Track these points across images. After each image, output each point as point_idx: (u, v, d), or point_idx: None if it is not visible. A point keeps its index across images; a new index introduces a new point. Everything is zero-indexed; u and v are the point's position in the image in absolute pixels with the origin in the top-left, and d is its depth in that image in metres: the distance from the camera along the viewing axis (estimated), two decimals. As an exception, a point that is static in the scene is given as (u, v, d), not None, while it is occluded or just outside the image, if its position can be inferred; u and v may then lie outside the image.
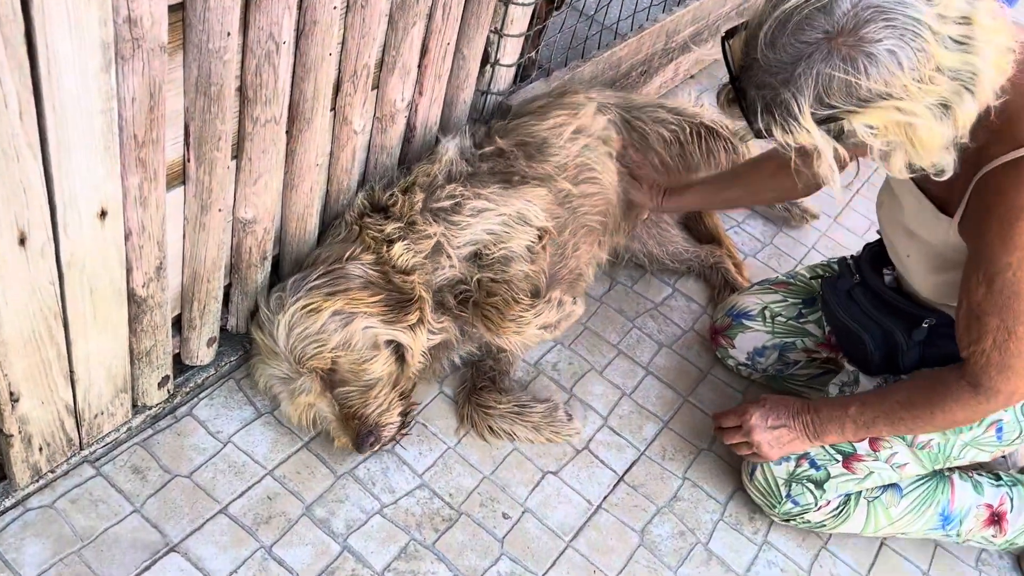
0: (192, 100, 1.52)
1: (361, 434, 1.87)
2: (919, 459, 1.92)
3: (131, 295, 1.64)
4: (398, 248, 1.96)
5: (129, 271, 1.60)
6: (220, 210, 1.71)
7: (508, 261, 2.05)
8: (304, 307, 1.85)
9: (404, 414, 1.97)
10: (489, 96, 2.44)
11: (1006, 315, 1.56)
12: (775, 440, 1.96)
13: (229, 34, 1.46)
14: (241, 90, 1.63)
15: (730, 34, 1.52)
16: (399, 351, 1.97)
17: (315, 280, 1.89)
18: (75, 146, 1.32)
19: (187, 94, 1.52)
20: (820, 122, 1.41)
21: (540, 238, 2.14)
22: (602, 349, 2.42)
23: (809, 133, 1.41)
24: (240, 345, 2.06)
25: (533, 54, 2.76)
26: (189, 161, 1.61)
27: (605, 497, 2.09)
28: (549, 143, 2.24)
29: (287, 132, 1.82)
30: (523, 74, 2.57)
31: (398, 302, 1.93)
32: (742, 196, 2.48)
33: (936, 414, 1.74)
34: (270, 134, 1.71)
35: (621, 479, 2.13)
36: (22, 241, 1.34)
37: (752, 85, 1.45)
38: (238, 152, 1.72)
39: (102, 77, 1.29)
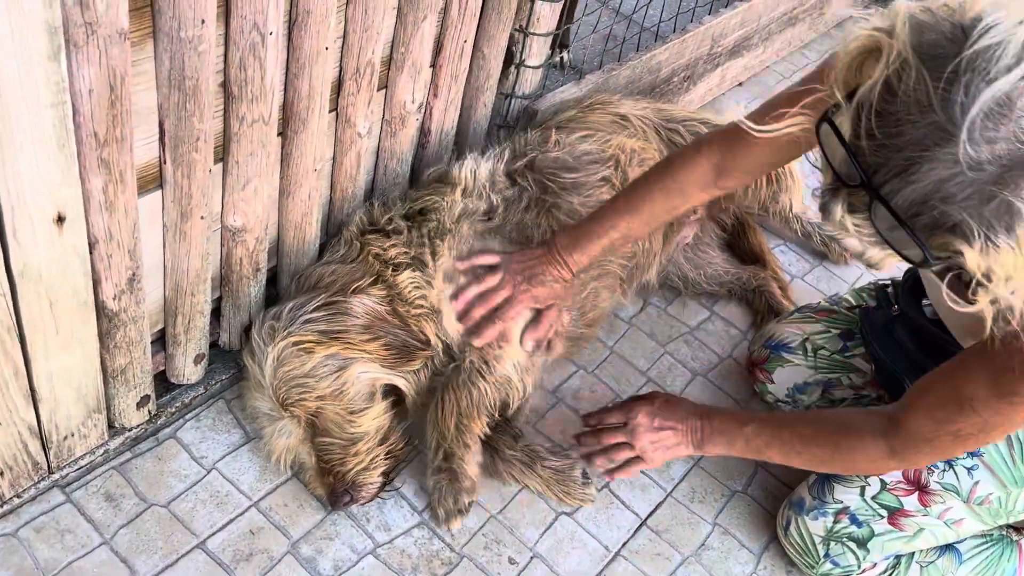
0: (165, 95, 1.37)
1: (336, 492, 1.71)
2: (977, 515, 1.68)
3: (101, 308, 1.49)
4: (406, 277, 1.80)
5: (97, 282, 1.45)
6: (203, 217, 1.56)
7: (499, 360, 1.84)
8: (296, 344, 1.68)
9: (386, 473, 1.78)
10: (513, 100, 2.27)
11: (997, 425, 1.38)
12: (659, 442, 1.77)
13: (203, 22, 1.31)
14: (225, 86, 1.48)
15: (834, 111, 1.09)
16: (396, 393, 1.81)
17: (312, 312, 1.72)
18: (22, 142, 1.17)
19: (160, 88, 1.37)
20: None
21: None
22: (629, 376, 2.21)
23: None
24: (233, 362, 1.91)
25: (565, 55, 2.58)
26: (165, 163, 1.46)
27: (625, 543, 1.88)
28: (579, 184, 2.03)
29: (281, 134, 1.67)
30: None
31: (403, 346, 1.76)
32: (654, 224, 1.87)
33: (836, 458, 1.60)
34: (258, 135, 1.55)
35: (644, 523, 1.93)
36: (-38, 248, 1.20)
37: (916, 192, 1.02)
38: (224, 154, 1.57)
39: (50, 66, 1.14)
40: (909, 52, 1.01)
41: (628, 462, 1.82)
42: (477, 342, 1.81)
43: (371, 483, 1.72)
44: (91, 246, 1.40)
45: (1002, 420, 1.39)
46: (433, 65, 1.94)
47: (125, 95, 1.26)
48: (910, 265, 1.22)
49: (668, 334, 2.35)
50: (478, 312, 1.83)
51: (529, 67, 2.22)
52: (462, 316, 1.83)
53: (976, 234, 0.99)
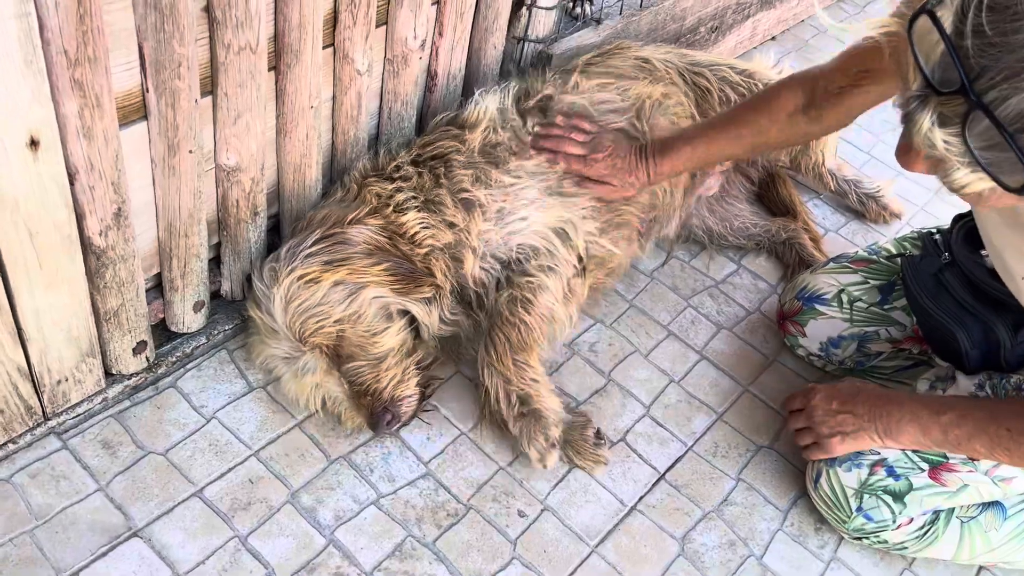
0: (142, 16, 1.32)
1: (375, 412, 1.65)
2: (1030, 473, 1.56)
3: (87, 244, 1.45)
4: (413, 218, 1.72)
5: (81, 216, 1.41)
6: (191, 151, 1.50)
7: (537, 291, 1.78)
8: (301, 278, 1.63)
9: (424, 386, 1.74)
10: (526, 44, 2.18)
11: None
12: (836, 426, 1.64)
13: (176, -66, 1.25)
14: (208, 10, 1.42)
15: (935, 3, 0.94)
16: (413, 323, 1.74)
17: (311, 247, 1.66)
18: (-16, 56, 1.13)
19: (136, 8, 1.31)
20: None
21: (580, 262, 1.87)
22: (649, 330, 2.12)
23: None
24: (236, 313, 1.86)
25: (588, 6, 2.47)
26: (148, 91, 1.41)
27: (641, 497, 1.79)
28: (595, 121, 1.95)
29: (275, 68, 1.61)
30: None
31: (409, 272, 1.69)
32: (748, 143, 1.82)
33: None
34: (246, 64, 1.49)
35: (662, 477, 1.83)
36: (-72, 168, 1.16)
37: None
38: (212, 86, 1.52)
39: (9, -28, 1.09)
40: None
41: (808, 448, 1.75)
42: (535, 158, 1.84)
43: (409, 395, 1.68)
44: (71, 176, 1.35)
45: None
46: (436, 1, 1.87)
47: (95, 10, 1.21)
48: (967, 208, 1.06)
49: (692, 287, 2.24)
50: (550, 144, 1.86)
51: (542, 8, 2.13)
52: (539, 140, 1.87)
53: None
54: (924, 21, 0.95)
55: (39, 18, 1.16)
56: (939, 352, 1.80)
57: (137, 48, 1.36)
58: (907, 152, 1.02)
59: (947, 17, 0.93)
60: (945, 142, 0.94)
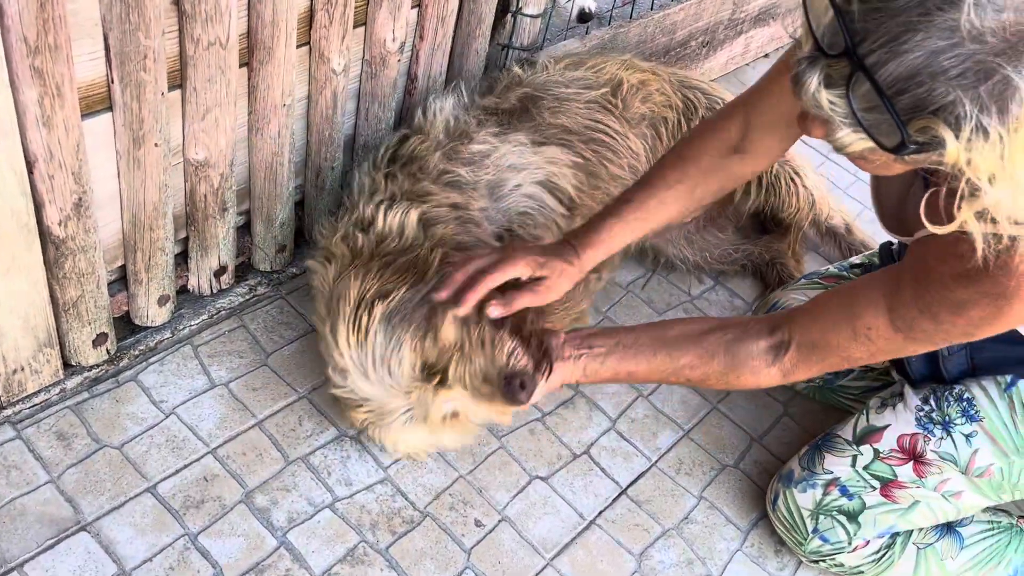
0: (108, 6, 1.31)
1: (502, 389, 1.48)
2: (978, 487, 1.54)
3: (46, 234, 1.44)
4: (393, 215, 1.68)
5: (40, 206, 1.40)
6: (157, 144, 1.49)
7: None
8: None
9: (519, 333, 1.53)
10: (510, 51, 2.17)
11: (888, 353, 1.36)
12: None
13: (143, -75, 1.24)
14: (178, 3, 1.41)
15: None
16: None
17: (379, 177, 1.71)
18: (-60, 41, 1.12)
19: (102, -1, 1.31)
20: None
21: (569, 210, 1.84)
22: (621, 342, 2.10)
23: (1018, 148, 0.89)
24: (203, 308, 1.85)
25: (592, 4, 2.46)
26: (113, 82, 1.40)
27: (601, 511, 1.78)
28: (563, 100, 1.95)
29: (247, 65, 1.60)
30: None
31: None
32: (682, 205, 1.64)
33: (725, 385, 1.52)
34: (216, 60, 1.48)
35: (624, 492, 1.82)
36: None
37: (905, 66, 0.89)
38: (182, 80, 1.51)
39: (-34, -43, 1.08)
40: None
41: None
42: (459, 314, 1.53)
43: (510, 351, 1.50)
44: (30, 165, 1.34)
45: (893, 350, 1.35)
46: (418, 5, 1.86)
47: (57, -1, 1.20)
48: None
49: (667, 301, 2.23)
50: (469, 297, 1.51)
51: (527, 16, 2.12)
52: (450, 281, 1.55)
53: (967, 115, 0.87)
54: None
55: (-2, 4, 1.15)
56: (892, 363, 1.79)
57: (103, 38, 1.35)
58: (804, 118, 1.04)
59: None
60: (830, 102, 0.96)
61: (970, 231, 0.97)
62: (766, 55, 3.23)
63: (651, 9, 2.56)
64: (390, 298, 1.54)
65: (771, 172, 2.19)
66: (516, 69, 2.03)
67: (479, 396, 1.51)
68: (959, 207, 0.94)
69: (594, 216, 1.67)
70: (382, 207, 1.68)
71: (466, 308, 1.49)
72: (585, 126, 1.96)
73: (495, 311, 1.50)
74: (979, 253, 0.98)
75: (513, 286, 1.54)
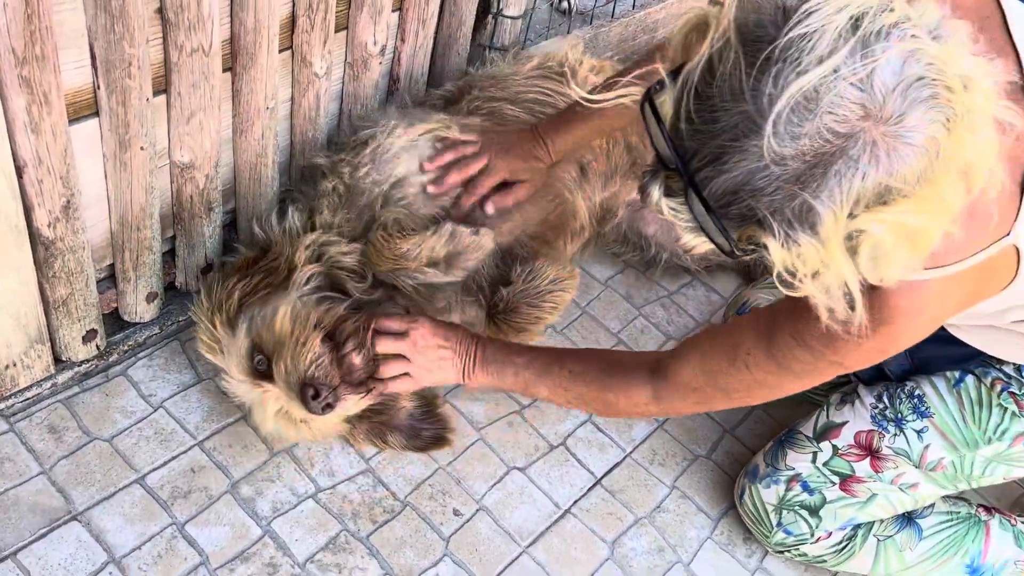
0: (92, 17, 1.36)
1: (298, 395, 1.56)
2: (932, 479, 1.61)
3: (36, 235, 1.49)
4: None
5: (30, 208, 1.45)
6: (143, 148, 1.54)
7: (398, 185, 1.76)
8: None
9: (337, 344, 1.60)
10: (491, 51, 2.22)
11: (764, 386, 1.39)
12: (433, 364, 1.62)
13: (126, -61, 1.28)
14: (161, 12, 1.46)
15: (657, 90, 1.03)
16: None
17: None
18: (-69, 53, 1.17)
19: (87, 10, 1.35)
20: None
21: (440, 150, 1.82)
22: (599, 337, 2.16)
23: (833, 254, 0.97)
24: (190, 304, 1.90)
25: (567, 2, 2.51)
26: (99, 88, 1.44)
27: (576, 501, 1.84)
28: (506, 79, 2.00)
29: (230, 69, 1.65)
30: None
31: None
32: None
33: (600, 398, 1.54)
34: (199, 66, 1.53)
35: (598, 482, 1.88)
36: None
37: (728, 183, 0.96)
38: (166, 85, 1.55)
39: (-44, -26, 1.13)
40: (732, 31, 0.94)
41: (395, 377, 1.65)
42: (433, 191, 1.76)
43: (314, 358, 1.56)
44: (19, 169, 1.39)
45: (770, 384, 1.37)
46: (399, 8, 1.90)
47: (44, 11, 1.24)
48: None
49: (645, 296, 2.29)
50: (453, 178, 1.76)
51: (507, 17, 2.17)
52: (436, 181, 1.76)
53: (781, 231, 0.95)
54: (647, 107, 1.04)
55: (-14, 18, 1.20)
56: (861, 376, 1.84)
57: (88, 48, 1.40)
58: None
59: (668, 103, 1.01)
60: (672, 209, 1.04)
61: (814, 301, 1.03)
62: (749, 51, 3.27)
63: (632, 8, 2.60)
64: (245, 299, 1.63)
65: None
66: (469, 69, 2.10)
67: (287, 396, 1.58)
68: (800, 282, 1.01)
69: (562, 112, 1.83)
70: (289, 209, 1.77)
71: (439, 191, 1.75)
72: (517, 92, 1.99)
73: (491, 208, 1.77)
74: (823, 320, 1.05)
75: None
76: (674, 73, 1.00)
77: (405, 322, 1.64)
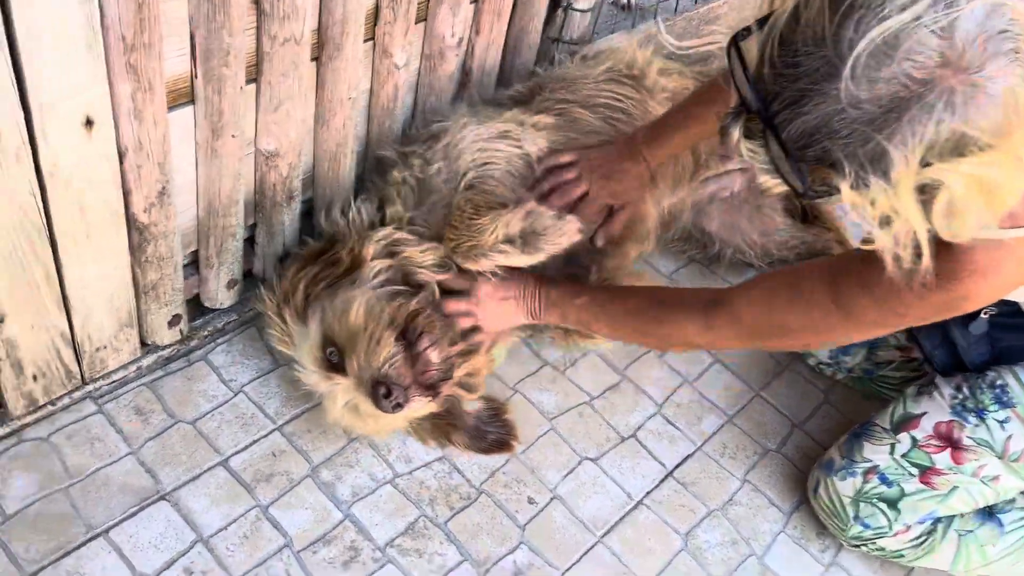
0: (195, 6, 1.39)
1: (369, 392, 1.57)
2: (1015, 471, 1.59)
3: (131, 220, 1.52)
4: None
5: (127, 193, 1.48)
6: (234, 136, 1.57)
7: (485, 179, 1.77)
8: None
9: (408, 342, 1.60)
10: (560, 44, 2.23)
11: (825, 330, 1.39)
12: (501, 313, 1.74)
13: (232, -71, 1.31)
14: (257, 2, 1.48)
15: (743, 36, 1.06)
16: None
17: None
18: (50, 40, 1.20)
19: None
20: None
21: (530, 167, 1.85)
22: (666, 330, 2.16)
23: (904, 201, 0.99)
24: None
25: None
26: (196, 77, 1.47)
27: (649, 492, 1.84)
28: (575, 80, 1.99)
29: (316, 59, 1.67)
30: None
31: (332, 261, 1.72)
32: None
33: (656, 330, 1.62)
34: (290, 55, 1.55)
35: (670, 474, 1.89)
36: (-9, 141, 1.23)
37: (806, 125, 0.99)
38: (256, 74, 1.58)
39: (77, -38, 1.16)
40: None
41: (470, 332, 1.74)
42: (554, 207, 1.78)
43: (389, 357, 1.56)
44: (121, 155, 1.42)
45: (825, 327, 1.38)
46: (475, 0, 1.92)
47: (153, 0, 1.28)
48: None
49: (710, 290, 2.28)
50: (556, 204, 1.79)
51: (577, 10, 2.18)
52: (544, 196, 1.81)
53: (853, 173, 0.98)
54: (733, 50, 1.08)
55: (100, 5, 1.23)
56: (924, 355, 1.83)
57: (189, 36, 1.43)
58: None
59: (753, 48, 1.05)
60: (750, 151, 1.08)
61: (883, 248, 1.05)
62: (806, 47, 3.25)
63: (694, 3, 2.60)
64: (311, 291, 1.66)
65: None
66: (537, 68, 2.10)
67: (358, 391, 1.60)
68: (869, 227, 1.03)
69: (659, 124, 1.85)
70: (356, 201, 1.79)
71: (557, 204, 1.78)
72: (588, 96, 1.98)
73: (601, 241, 1.87)
74: (889, 268, 1.06)
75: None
76: (760, 21, 1.04)
77: (468, 279, 1.73)
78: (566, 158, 1.84)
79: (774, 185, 1.09)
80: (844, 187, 1.00)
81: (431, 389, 1.61)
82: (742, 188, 2.28)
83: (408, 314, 1.63)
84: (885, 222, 1.02)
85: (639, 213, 1.92)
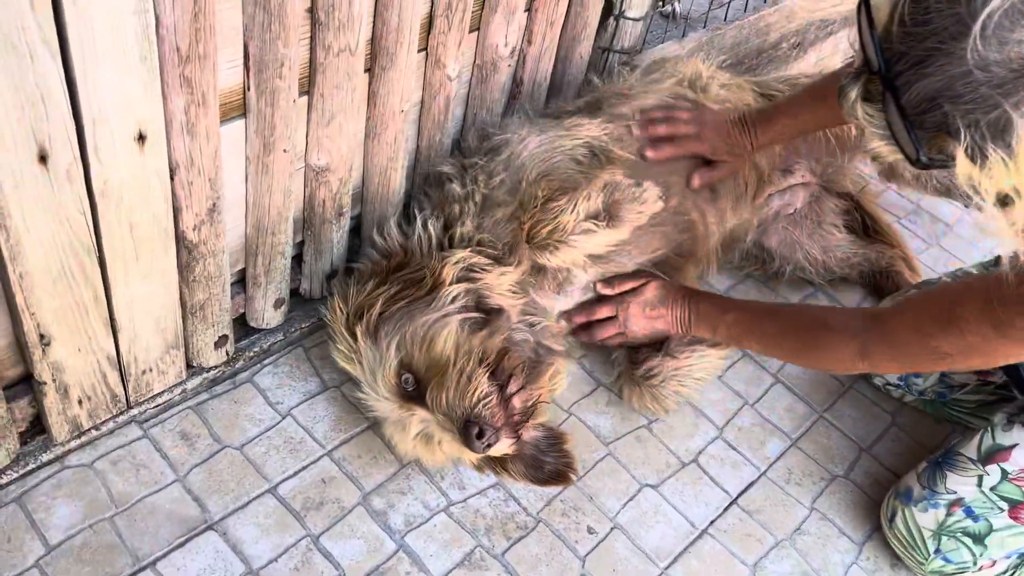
0: (251, 16, 1.33)
1: (460, 430, 1.49)
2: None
3: (180, 238, 1.47)
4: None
5: (178, 211, 1.42)
6: (285, 151, 1.51)
7: (551, 172, 1.71)
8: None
9: (502, 381, 1.54)
10: (611, 54, 2.16)
11: (978, 353, 1.33)
12: (648, 325, 1.80)
13: (291, -65, 1.25)
14: (312, 12, 1.43)
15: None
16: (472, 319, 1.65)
17: None
18: (103, 51, 1.14)
19: (245, 8, 1.33)
20: None
21: (593, 154, 1.80)
22: (723, 349, 2.08)
23: None
24: (314, 311, 1.87)
25: (676, 4, 2.44)
26: (249, 89, 1.42)
27: (713, 521, 1.76)
28: (637, 93, 1.94)
29: (368, 70, 1.61)
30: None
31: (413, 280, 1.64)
32: (837, 114, 1.84)
33: (808, 352, 1.61)
34: (344, 66, 1.50)
35: (734, 501, 1.80)
36: (43, 159, 1.18)
37: (928, 88, 0.95)
38: (309, 86, 1.52)
39: (133, -30, 1.10)
40: None
41: (612, 337, 1.84)
42: (651, 156, 1.83)
43: (483, 396, 1.48)
44: (172, 171, 1.37)
45: (985, 350, 1.31)
46: (528, 9, 1.86)
47: (209, 8, 1.22)
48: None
49: (767, 308, 2.20)
50: (661, 129, 1.84)
51: (629, 19, 2.11)
52: (644, 127, 1.85)
53: (968, 144, 0.94)
54: (863, 7, 1.04)
55: (156, 15, 1.18)
56: (1013, 380, 1.74)
57: (243, 47, 1.37)
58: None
59: (884, 7, 1.01)
60: (867, 114, 1.05)
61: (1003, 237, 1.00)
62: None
63: (744, 11, 2.52)
64: (385, 309, 1.58)
65: None
66: (594, 79, 2.05)
67: (442, 426, 1.53)
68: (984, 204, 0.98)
69: (770, 110, 1.88)
70: (419, 216, 1.72)
71: (658, 158, 1.83)
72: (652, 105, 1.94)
73: (697, 181, 1.86)
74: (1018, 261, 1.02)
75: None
76: None
77: (612, 307, 1.80)
78: (683, 112, 1.88)
79: (888, 153, 1.05)
80: (960, 157, 0.95)
81: (517, 427, 1.55)
82: (804, 204, 2.20)
83: (498, 352, 1.56)
84: (1002, 202, 0.96)
85: (735, 172, 1.93)
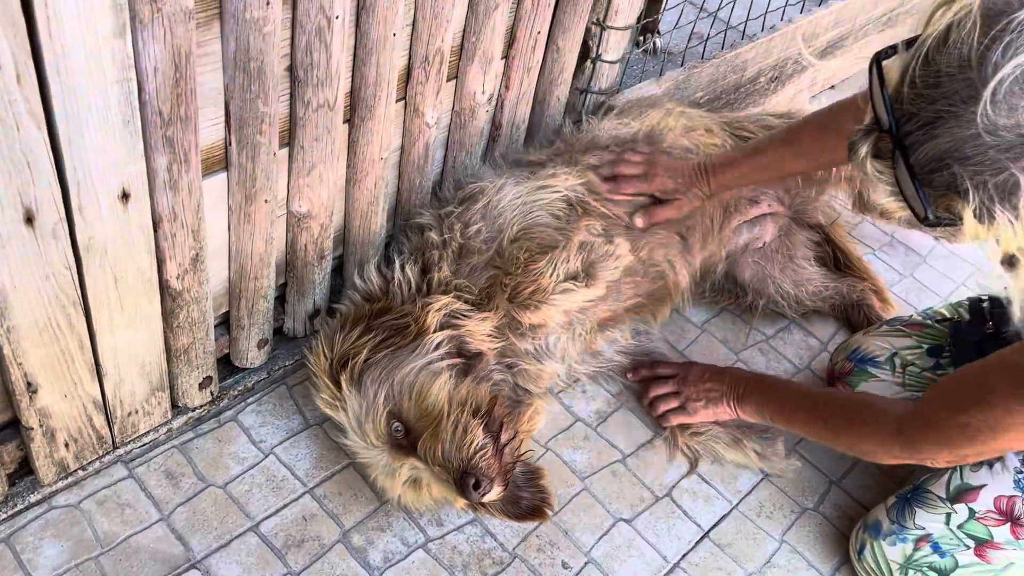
0: (231, 77, 1.38)
1: (456, 480, 1.53)
2: (1079, 551, 1.55)
3: (164, 287, 1.52)
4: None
5: (161, 261, 1.48)
6: (267, 201, 1.57)
7: (531, 228, 1.78)
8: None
9: (495, 432, 1.59)
10: (589, 95, 2.22)
11: (1006, 428, 1.33)
12: (704, 392, 1.90)
13: (269, 3, 1.31)
14: (291, 69, 1.48)
15: (887, 54, 1.08)
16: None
17: None
18: (88, 119, 1.20)
19: (226, 70, 1.38)
20: None
21: (569, 206, 1.86)
22: (698, 383, 2.13)
23: None
24: (297, 349, 1.92)
25: (658, 40, 2.50)
26: (230, 145, 1.47)
27: (684, 555, 1.80)
28: (599, 139, 2.01)
29: (348, 121, 1.67)
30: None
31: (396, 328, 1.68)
32: (812, 158, 1.85)
33: (847, 435, 1.64)
34: (323, 120, 1.55)
35: (706, 535, 1.84)
36: (29, 220, 1.23)
37: (937, 148, 0.98)
38: (289, 139, 1.58)
39: (116, 43, 1.16)
40: (976, 5, 0.96)
41: (668, 412, 1.94)
42: (608, 193, 1.91)
43: (479, 448, 1.53)
44: (155, 224, 1.42)
45: (1013, 424, 1.32)
46: (505, 57, 1.91)
47: (190, 74, 1.27)
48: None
49: (742, 341, 2.25)
50: (605, 171, 1.93)
51: (606, 62, 2.17)
52: (605, 179, 1.93)
53: (975, 204, 0.97)
54: (874, 67, 1.08)
55: (139, 82, 1.23)
56: None
57: (223, 105, 1.43)
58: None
59: (895, 68, 1.05)
60: (877, 170, 1.08)
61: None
62: (832, 86, 3.23)
63: (722, 49, 2.58)
64: (370, 356, 1.62)
65: None
66: (563, 128, 2.12)
67: (436, 476, 1.57)
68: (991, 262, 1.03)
69: (732, 154, 1.95)
70: (397, 261, 1.78)
71: (611, 196, 1.90)
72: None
73: (640, 221, 1.92)
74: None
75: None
76: (908, 42, 1.04)
77: (673, 367, 1.96)
78: (636, 156, 1.96)
79: (896, 209, 1.09)
80: (968, 217, 0.98)
81: (508, 475, 1.60)
82: (774, 238, 2.26)
83: (491, 402, 1.61)
84: (1009, 263, 1.00)
85: (684, 211, 1.97)
